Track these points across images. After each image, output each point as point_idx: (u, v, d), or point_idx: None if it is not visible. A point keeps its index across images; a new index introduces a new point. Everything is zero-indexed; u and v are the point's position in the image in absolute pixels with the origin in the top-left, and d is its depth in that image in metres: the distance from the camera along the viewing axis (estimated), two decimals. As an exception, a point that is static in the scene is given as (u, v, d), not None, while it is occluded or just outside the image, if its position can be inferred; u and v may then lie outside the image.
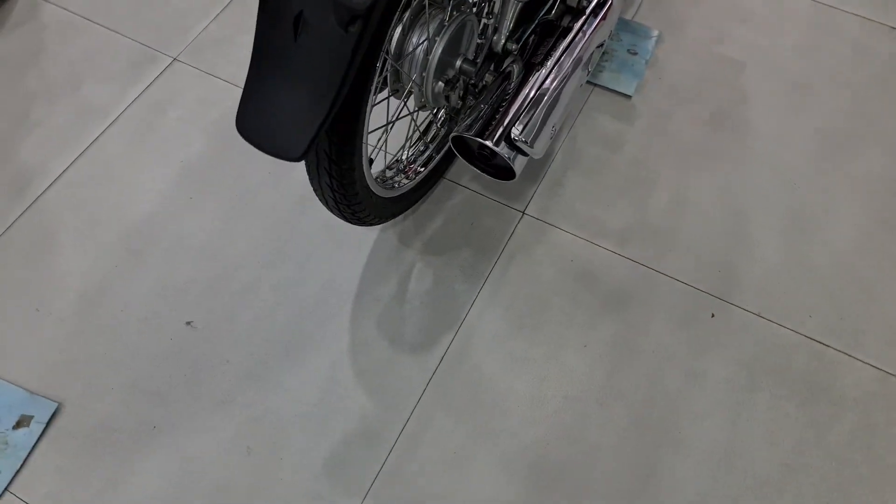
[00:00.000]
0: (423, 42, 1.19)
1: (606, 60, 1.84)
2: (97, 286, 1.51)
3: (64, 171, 1.67)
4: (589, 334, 1.46)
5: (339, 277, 1.53)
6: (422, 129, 1.51)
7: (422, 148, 1.51)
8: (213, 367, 1.43)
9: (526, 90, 1.17)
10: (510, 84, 1.20)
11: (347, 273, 1.53)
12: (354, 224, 1.27)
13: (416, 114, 1.36)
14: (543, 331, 1.46)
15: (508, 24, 1.22)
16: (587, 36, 1.30)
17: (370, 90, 1.04)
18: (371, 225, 1.33)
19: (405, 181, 1.41)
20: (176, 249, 1.56)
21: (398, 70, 1.22)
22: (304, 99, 0.90)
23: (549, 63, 1.21)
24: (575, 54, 1.26)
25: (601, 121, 1.75)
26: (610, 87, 1.80)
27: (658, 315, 1.48)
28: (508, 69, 1.23)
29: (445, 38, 1.21)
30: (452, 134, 1.14)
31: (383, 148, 1.37)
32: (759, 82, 1.83)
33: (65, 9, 1.93)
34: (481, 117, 1.14)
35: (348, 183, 1.11)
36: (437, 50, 1.21)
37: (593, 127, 1.74)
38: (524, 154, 1.16)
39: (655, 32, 1.90)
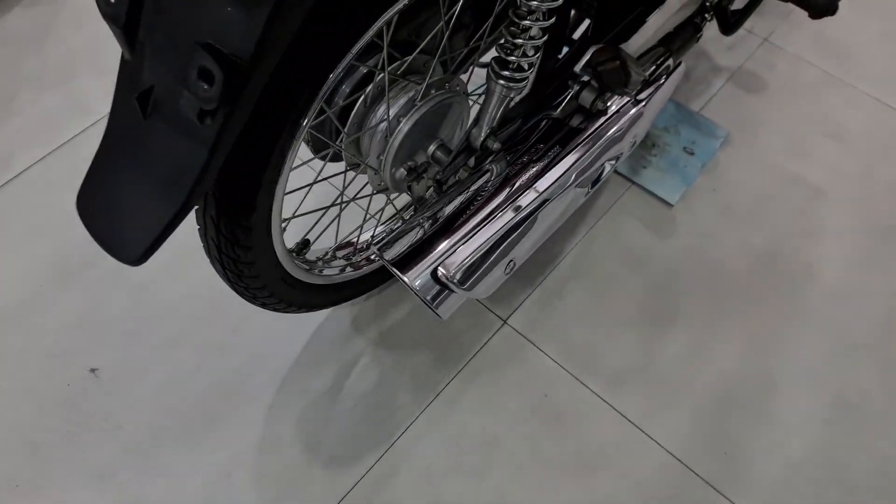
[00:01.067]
0: (384, 120, 0.96)
1: (655, 155, 1.55)
2: (15, 304, 1.36)
3: (28, 167, 1.53)
4: (544, 498, 1.18)
5: (271, 352, 1.31)
6: (376, 214, 1.27)
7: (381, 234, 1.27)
8: (102, 430, 1.23)
9: (487, 209, 0.91)
10: (484, 190, 0.94)
11: (282, 349, 1.31)
12: (249, 301, 1.04)
13: (370, 196, 1.13)
14: (488, 480, 1.19)
15: (492, 116, 0.96)
16: (597, 147, 1.03)
17: (285, 151, 0.81)
18: (276, 311, 1.10)
19: (340, 271, 1.17)
20: (111, 281, 1.38)
21: (352, 141, 0.99)
22: (150, 192, 0.68)
23: (532, 175, 0.95)
24: (575, 168, 0.99)
25: (629, 228, 1.47)
26: (650, 188, 1.51)
27: (633, 492, 1.18)
28: (487, 169, 0.98)
29: (414, 118, 0.97)
30: (377, 248, 0.90)
31: (328, 223, 1.14)
32: (837, 218, 1.49)
33: (89, -9, 1.81)
34: (412, 237, 0.90)
35: (242, 246, 0.89)
36: (401, 130, 0.97)
37: (617, 233, 1.46)
38: (454, 293, 0.91)
39: (723, 133, 1.59)
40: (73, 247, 1.42)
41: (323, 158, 0.99)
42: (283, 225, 0.97)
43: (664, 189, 1.51)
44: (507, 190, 0.92)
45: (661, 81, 1.13)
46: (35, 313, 1.34)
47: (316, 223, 1.10)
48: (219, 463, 1.20)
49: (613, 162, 1.07)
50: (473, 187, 0.93)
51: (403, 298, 1.37)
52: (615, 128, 1.04)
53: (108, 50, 1.70)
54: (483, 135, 0.99)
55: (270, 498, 1.17)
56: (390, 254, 0.86)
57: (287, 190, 0.89)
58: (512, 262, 0.93)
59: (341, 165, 1.08)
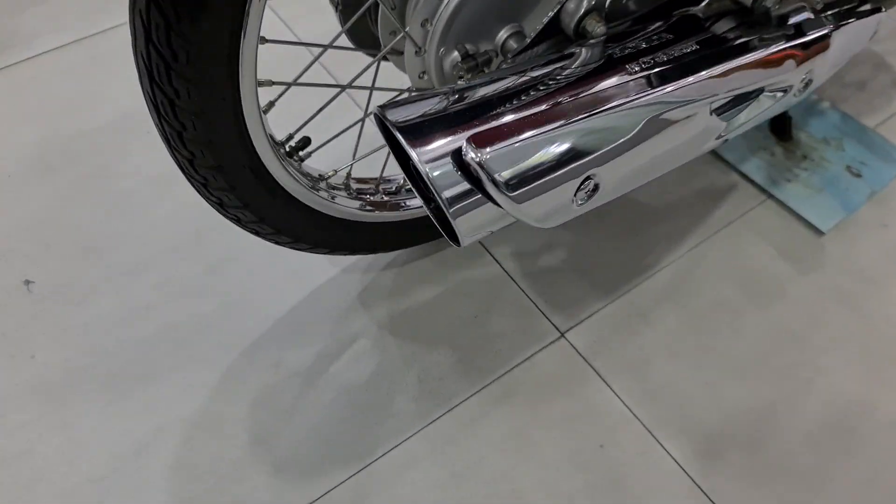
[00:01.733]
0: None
1: (805, 168, 1.16)
2: (-28, 189, 1.11)
3: (48, 51, 1.32)
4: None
5: (248, 307, 0.99)
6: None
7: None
8: (11, 355, 0.94)
9: (565, 92, 0.56)
10: (563, 73, 0.59)
11: (263, 306, 0.99)
12: (203, 195, 0.72)
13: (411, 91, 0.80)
14: (489, 543, 0.81)
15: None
16: (753, 64, 0.66)
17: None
18: (252, 230, 0.78)
19: (358, 204, 0.84)
20: (90, 185, 1.12)
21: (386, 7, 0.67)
22: None
23: (647, 67, 0.59)
24: (716, 81, 0.63)
25: (756, 250, 1.07)
26: (794, 207, 1.11)
27: None
28: (572, 52, 0.63)
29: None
30: (374, 110, 0.56)
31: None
32: None
33: None
34: (436, 106, 0.55)
35: (182, 76, 0.57)
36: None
37: (738, 254, 1.06)
38: (493, 201, 0.55)
39: (905, 159, 1.18)
40: (64, 141, 1.17)
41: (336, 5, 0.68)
42: (266, 84, 0.66)
43: (814, 211, 1.11)
44: (603, 77, 0.57)
45: (862, 12, 0.77)
46: (-12, 202, 1.09)
47: (313, 115, 0.78)
48: (137, 432, 0.88)
49: (773, 99, 0.70)
50: (548, 68, 0.59)
51: (432, 276, 1.02)
52: (785, 46, 0.68)
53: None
54: (583, 10, 0.65)
55: (186, 496, 0.83)
56: (396, 115, 0.52)
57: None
58: (592, 184, 0.57)
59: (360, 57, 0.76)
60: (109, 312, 0.98)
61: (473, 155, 0.50)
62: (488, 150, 0.51)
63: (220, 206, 0.71)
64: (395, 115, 0.52)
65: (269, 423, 0.89)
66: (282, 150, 0.74)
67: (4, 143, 1.17)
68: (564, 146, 0.53)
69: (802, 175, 1.15)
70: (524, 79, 0.56)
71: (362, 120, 0.82)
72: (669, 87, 0.58)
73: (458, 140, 0.51)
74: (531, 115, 0.53)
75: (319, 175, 0.82)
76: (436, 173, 0.50)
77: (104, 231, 1.06)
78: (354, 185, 0.87)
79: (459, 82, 0.64)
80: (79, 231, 1.06)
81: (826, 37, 0.73)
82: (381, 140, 0.87)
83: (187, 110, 0.59)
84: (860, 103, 1.27)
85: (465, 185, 0.52)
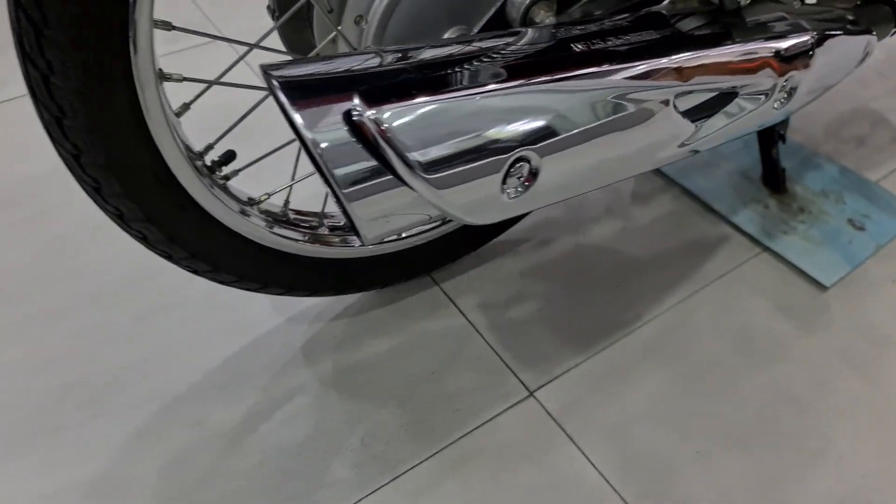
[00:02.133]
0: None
1: (802, 221, 1.06)
2: None
3: (17, 97, 1.27)
4: None
5: (177, 358, 0.87)
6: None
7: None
8: None
9: (503, 63, 0.46)
10: (488, 45, 0.50)
11: (193, 358, 0.87)
12: (130, 234, 0.63)
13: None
14: None
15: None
16: (729, 64, 0.58)
17: None
18: (182, 265, 0.68)
19: (296, 235, 0.75)
20: (24, 226, 1.03)
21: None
22: None
23: (605, 52, 0.51)
24: (677, 78, 0.54)
25: (752, 305, 0.96)
26: (793, 260, 1.01)
27: None
28: (513, 31, 0.54)
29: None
30: (261, 66, 0.47)
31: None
32: None
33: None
34: (347, 61, 0.45)
35: (56, 44, 0.49)
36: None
37: (732, 308, 0.95)
38: (394, 173, 0.44)
39: (912, 213, 1.08)
40: (2, 186, 1.10)
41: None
42: (177, 78, 0.58)
43: (816, 265, 1.00)
44: (545, 51, 0.48)
45: (851, 30, 0.69)
46: None
47: (236, 122, 0.70)
48: (25, 497, 0.75)
49: (750, 105, 0.61)
50: (482, 42, 0.50)
51: (389, 326, 0.91)
52: (759, 46, 0.59)
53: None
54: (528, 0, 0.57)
55: (70, 577, 0.69)
56: (284, 72, 0.43)
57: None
58: (525, 169, 0.47)
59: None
60: (19, 361, 0.87)
61: (365, 110, 0.41)
62: (385, 106, 0.41)
63: (121, 220, 0.62)
64: (283, 73, 0.43)
65: (181, 489, 0.75)
66: (200, 164, 0.65)
67: (-58, 185, 1.10)
68: (487, 113, 0.44)
69: (800, 228, 1.05)
70: (452, 47, 0.48)
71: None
72: (623, 67, 0.49)
73: (350, 100, 0.41)
74: (449, 75, 0.44)
75: (249, 199, 0.72)
76: (325, 143, 0.40)
77: (28, 276, 0.97)
78: (293, 215, 0.77)
79: (374, 47, 0.56)
80: (2, 273, 0.97)
81: (807, 43, 0.65)
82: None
83: (64, 89, 0.51)
84: (860, 158, 1.19)
85: (367, 163, 0.42)
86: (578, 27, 0.52)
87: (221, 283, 0.73)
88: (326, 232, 0.80)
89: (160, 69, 0.56)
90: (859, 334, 0.93)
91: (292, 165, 0.79)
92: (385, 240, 0.82)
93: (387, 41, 0.63)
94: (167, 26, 0.57)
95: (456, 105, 0.43)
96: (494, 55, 0.46)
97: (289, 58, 0.70)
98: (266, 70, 0.44)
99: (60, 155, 0.57)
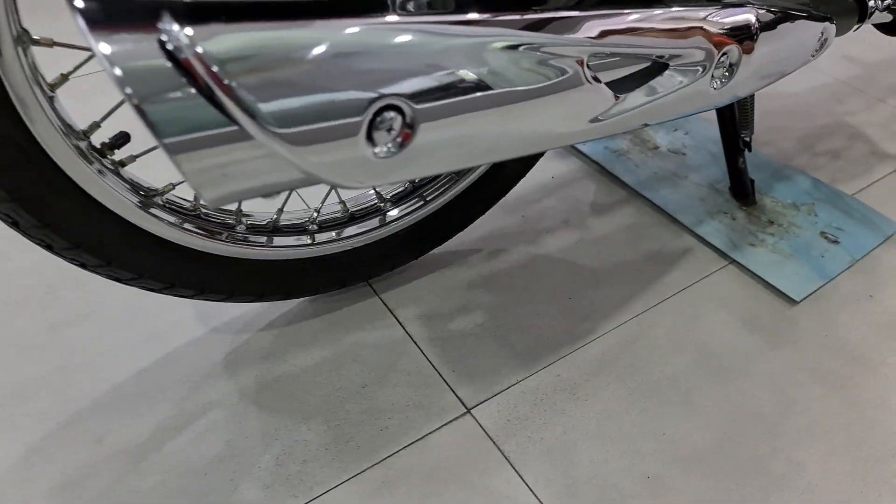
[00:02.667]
0: None
1: (771, 234, 1.00)
2: None
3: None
4: None
5: (87, 369, 0.80)
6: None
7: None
8: None
9: None
10: None
11: (106, 368, 0.80)
12: None
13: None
14: None
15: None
16: (654, 25, 0.52)
17: None
18: (65, 256, 0.62)
19: (196, 226, 0.69)
20: (-56, 234, 0.97)
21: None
22: None
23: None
24: (588, 32, 0.49)
25: (716, 319, 0.89)
26: (761, 273, 0.94)
27: None
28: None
29: None
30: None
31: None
32: None
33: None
34: None
35: None
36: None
37: (696, 323, 0.88)
38: (218, 109, 0.37)
39: (892, 227, 1.02)
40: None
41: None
42: (47, 42, 0.53)
43: (785, 278, 0.93)
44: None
45: (805, 13, 0.64)
46: None
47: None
48: None
49: (684, 78, 0.55)
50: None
51: (320, 337, 0.84)
52: (691, 12, 0.54)
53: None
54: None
55: None
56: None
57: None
58: (398, 121, 0.40)
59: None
60: (-85, 372, 0.80)
61: (175, 27, 0.34)
62: (208, 26, 0.35)
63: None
64: None
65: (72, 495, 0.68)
66: (84, 144, 0.60)
67: None
68: (349, 46, 0.38)
69: (769, 240, 0.99)
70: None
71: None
72: (527, 15, 0.43)
73: (161, 20, 0.34)
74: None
75: (150, 189, 0.67)
76: (137, 79, 0.34)
77: (-55, 283, 0.91)
78: (205, 211, 0.71)
79: None
80: (-85, 282, 0.91)
81: (751, 18, 0.60)
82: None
83: None
84: (834, 171, 1.13)
85: (194, 102, 0.36)
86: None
87: (118, 280, 0.67)
88: (244, 230, 0.74)
89: (23, 29, 0.51)
90: (831, 351, 0.86)
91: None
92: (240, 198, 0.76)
93: None
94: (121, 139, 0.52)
95: (306, 34, 0.37)
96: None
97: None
98: None
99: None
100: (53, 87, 0.56)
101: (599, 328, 0.87)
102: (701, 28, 0.55)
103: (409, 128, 0.41)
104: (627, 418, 0.77)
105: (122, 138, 0.63)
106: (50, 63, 0.55)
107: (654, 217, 1.03)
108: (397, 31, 0.39)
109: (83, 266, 0.64)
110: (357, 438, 0.75)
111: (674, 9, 0.53)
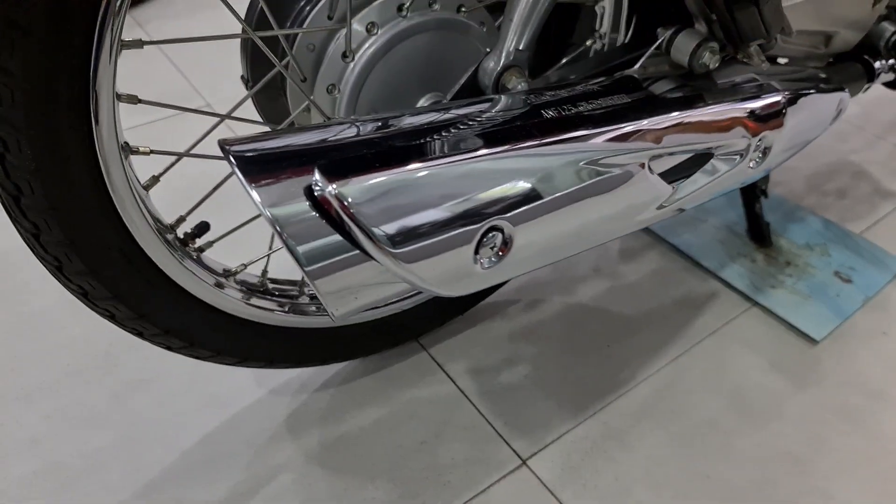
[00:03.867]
0: (342, 26, 0.58)
1: (789, 275, 1.06)
2: None
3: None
4: None
5: (154, 437, 0.84)
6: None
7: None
8: None
9: (468, 130, 0.46)
10: (457, 114, 0.50)
11: (172, 435, 0.84)
12: (97, 312, 0.61)
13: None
14: None
15: (520, 27, 0.56)
16: (702, 125, 0.58)
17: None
18: (156, 341, 0.66)
19: (274, 305, 0.73)
20: (-2, 304, 1.01)
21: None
22: None
23: (580, 120, 0.50)
24: (650, 141, 0.54)
25: (745, 362, 0.94)
26: (783, 315, 1.00)
27: None
28: (484, 98, 0.54)
29: (396, 30, 0.59)
30: (219, 141, 0.46)
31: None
32: None
33: (148, 34, 1.67)
34: (308, 135, 0.44)
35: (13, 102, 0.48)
36: (374, 46, 0.59)
37: (726, 367, 0.93)
38: (359, 248, 0.43)
39: (897, 264, 1.08)
40: (-21, 259, 1.08)
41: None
42: (144, 151, 0.57)
43: (805, 319, 0.99)
44: (513, 119, 0.48)
45: (823, 88, 0.70)
46: None
47: (209, 193, 0.69)
48: None
49: (727, 165, 0.61)
50: (452, 110, 0.50)
51: (375, 396, 0.88)
52: (731, 107, 0.60)
53: (140, 79, 1.49)
54: (501, 65, 0.58)
55: None
56: (243, 147, 0.41)
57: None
58: (499, 238, 0.45)
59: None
60: (-12, 446, 0.83)
61: (326, 184, 0.40)
62: (347, 180, 0.40)
63: (85, 297, 0.60)
64: (241, 148, 0.42)
65: (158, 580, 0.71)
66: (171, 237, 0.64)
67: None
68: (455, 183, 0.43)
69: (788, 282, 1.05)
70: (420, 116, 0.47)
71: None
72: (596, 132, 0.49)
73: (310, 174, 0.40)
74: (415, 145, 0.43)
75: (225, 270, 0.71)
76: (285, 220, 0.39)
77: (1, 355, 0.94)
78: (271, 285, 0.76)
79: (338, 118, 0.55)
80: (-25, 354, 0.94)
81: (779, 103, 0.65)
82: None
83: (20, 168, 0.50)
84: (842, 210, 1.20)
85: (330, 238, 0.41)
86: (550, 93, 0.52)
87: (198, 358, 0.71)
88: (307, 301, 0.79)
89: (125, 142, 0.56)
90: (853, 388, 0.91)
91: (269, 235, 0.78)
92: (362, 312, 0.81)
93: (360, 110, 0.63)
94: (133, 100, 0.56)
95: (422, 176, 0.42)
96: (463, 123, 0.46)
97: (259, 130, 0.70)
98: (223, 146, 0.43)
99: (20, 233, 0.55)
100: (147, 188, 0.60)
101: (638, 375, 0.92)
102: (737, 119, 0.60)
103: (507, 244, 0.46)
104: (673, 462, 0.82)
105: (204, 228, 0.67)
106: (141, 167, 0.60)
107: (678, 262, 1.09)
108: (500, 162, 0.44)
109: (168, 348, 0.68)
110: (423, 495, 0.79)
111: (711, 107, 0.59)
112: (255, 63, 0.67)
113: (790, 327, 0.99)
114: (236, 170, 0.40)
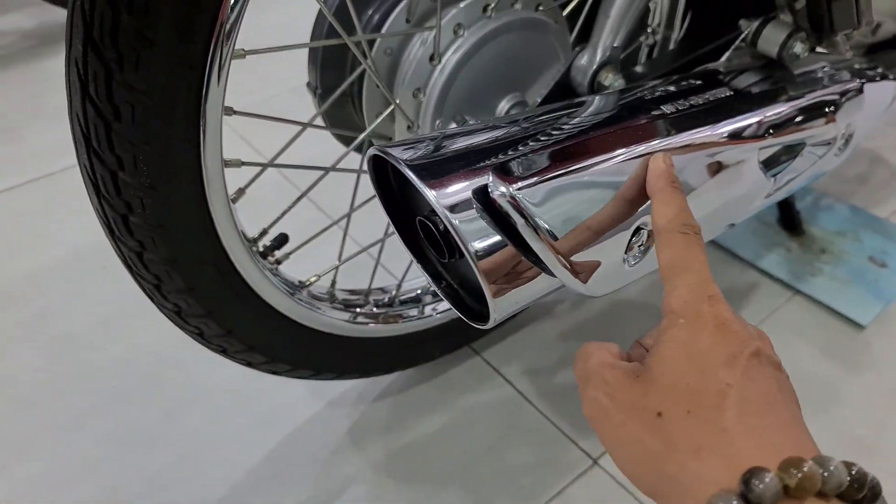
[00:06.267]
0: (430, 26, 0.57)
1: (826, 262, 1.07)
2: None
3: (-2, 192, 1.22)
4: None
5: (212, 455, 0.82)
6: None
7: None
8: None
9: (597, 133, 0.45)
10: (579, 113, 0.49)
11: (232, 452, 0.82)
12: (185, 330, 0.59)
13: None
14: None
15: (617, 25, 0.56)
16: (801, 116, 0.58)
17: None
18: (237, 359, 0.64)
19: (347, 315, 0.72)
20: (30, 328, 0.97)
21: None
22: None
23: (684, 116, 0.50)
24: (762, 135, 0.54)
25: (798, 349, 0.95)
26: (827, 302, 1.01)
27: None
28: (588, 98, 0.54)
29: (482, 32, 0.58)
30: (371, 150, 0.45)
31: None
32: None
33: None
34: (448, 139, 0.43)
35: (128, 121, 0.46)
36: (461, 50, 0.58)
37: (782, 354, 0.92)
38: (529, 254, 0.42)
39: (928, 247, 1.10)
40: (6, 283, 1.04)
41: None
42: (235, 163, 0.55)
43: (850, 305, 1.00)
44: (640, 116, 0.47)
45: (879, 74, 0.71)
46: None
47: (293, 204, 0.68)
48: None
49: (816, 155, 0.61)
50: (568, 109, 0.49)
51: (436, 402, 0.87)
52: (822, 97, 0.60)
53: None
54: (597, 62, 0.57)
55: None
56: (401, 153, 0.41)
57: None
58: (644, 235, 0.45)
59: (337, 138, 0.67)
60: (41, 475, 0.80)
61: (504, 189, 0.39)
62: (521, 184, 0.40)
63: (178, 316, 0.58)
64: (401, 154, 0.41)
65: None
66: (255, 250, 0.62)
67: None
68: (609, 183, 0.43)
69: (826, 269, 1.06)
70: (543, 117, 0.47)
71: (348, 215, 0.72)
72: (718, 130, 0.49)
73: (482, 177, 0.40)
74: (565, 149, 0.43)
75: (299, 282, 0.69)
76: (458, 220, 0.39)
77: (42, 380, 0.90)
78: (341, 295, 0.74)
79: (467, 124, 0.54)
80: (10, 383, 0.90)
81: (856, 90, 0.66)
82: (371, 237, 0.76)
83: (133, 185, 0.48)
84: (865, 196, 1.22)
85: (494, 238, 0.40)
86: (657, 89, 0.52)
87: (275, 373, 0.69)
88: (374, 310, 0.77)
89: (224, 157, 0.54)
90: (905, 370, 0.92)
91: (337, 245, 0.76)
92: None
93: (446, 113, 0.62)
94: (229, 111, 0.54)
95: (577, 180, 0.42)
96: (594, 125, 0.46)
97: (332, 136, 0.68)
98: (384, 150, 0.42)
99: (120, 252, 0.53)
100: (234, 200, 0.59)
101: (694, 368, 0.92)
102: (829, 108, 0.61)
103: (649, 238, 0.46)
104: (742, 455, 0.82)
105: (283, 240, 0.65)
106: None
107: (715, 254, 1.09)
108: (641, 160, 0.44)
109: (249, 365, 0.66)
110: (498, 500, 0.78)
111: (805, 99, 0.59)
112: (325, 69, 0.66)
113: (834, 314, 1.00)
114: (409, 172, 0.39)
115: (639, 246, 0.46)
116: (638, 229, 0.45)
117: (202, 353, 0.65)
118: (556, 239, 0.41)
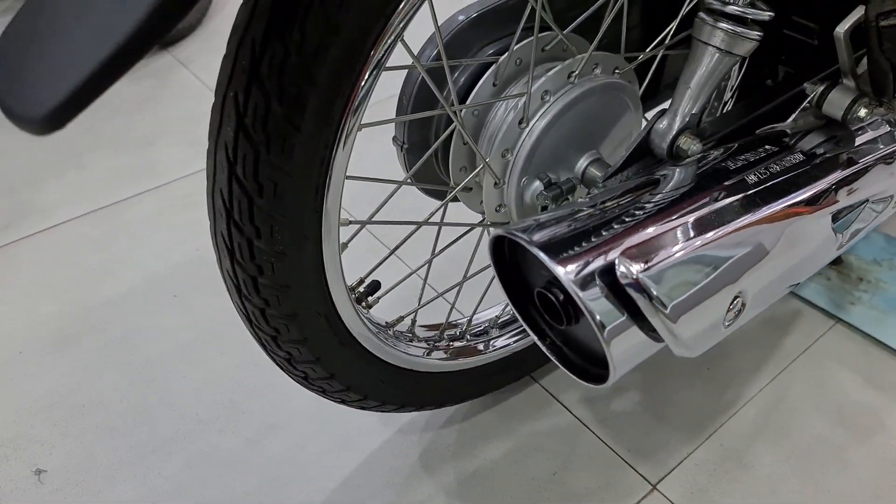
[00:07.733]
0: (521, 95, 0.62)
1: (864, 291, 1.11)
2: (-18, 368, 1.01)
3: (67, 220, 1.28)
4: None
5: (295, 479, 0.87)
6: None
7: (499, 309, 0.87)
8: (20, 559, 0.80)
9: (687, 207, 0.51)
10: (653, 194, 0.55)
11: (313, 477, 0.87)
12: (290, 375, 0.65)
13: (484, 229, 0.76)
14: None
15: (696, 96, 0.61)
16: (860, 173, 0.63)
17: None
18: (333, 397, 0.69)
19: (423, 352, 0.77)
20: (110, 355, 1.03)
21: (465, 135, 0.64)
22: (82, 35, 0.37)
23: (759, 185, 0.55)
24: (834, 198, 0.60)
25: (840, 379, 1.00)
26: (869, 331, 1.05)
27: None
28: (670, 170, 0.59)
29: (567, 98, 0.63)
30: (495, 232, 0.50)
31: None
32: None
33: (195, 76, 1.69)
34: (567, 222, 0.49)
35: (268, 212, 0.52)
36: (549, 113, 0.63)
37: (824, 384, 0.99)
38: (645, 325, 0.48)
39: (962, 275, 1.14)
40: (83, 311, 1.10)
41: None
42: (344, 223, 0.61)
43: (890, 334, 1.05)
44: (731, 191, 0.53)
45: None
46: (5, 383, 0.99)
47: (388, 255, 0.73)
48: None
49: (877, 210, 0.66)
50: (666, 185, 0.54)
51: (499, 430, 0.92)
52: (881, 156, 0.65)
53: (196, 123, 1.51)
54: (676, 129, 0.62)
55: None
56: (527, 234, 0.46)
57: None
58: (739, 302, 0.51)
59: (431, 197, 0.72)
60: (132, 500, 0.86)
61: (631, 271, 0.45)
62: (645, 266, 0.45)
63: (288, 363, 0.63)
64: (535, 235, 0.46)
65: None
66: (352, 297, 0.68)
67: (17, 317, 1.09)
68: (716, 262, 0.48)
69: (864, 297, 1.11)
70: (653, 197, 0.52)
71: (429, 261, 0.77)
72: (799, 197, 0.55)
73: (605, 257, 0.45)
74: (676, 230, 0.48)
75: (386, 323, 0.75)
76: (587, 297, 0.44)
77: (126, 406, 0.96)
78: (421, 333, 0.80)
79: (583, 199, 0.59)
80: (98, 409, 0.96)
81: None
82: (447, 282, 0.81)
83: (267, 251, 0.53)
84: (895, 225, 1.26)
85: (617, 314, 0.45)
86: (737, 158, 0.57)
87: (364, 409, 0.74)
88: (447, 344, 0.82)
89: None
90: (946, 398, 0.97)
91: (418, 289, 0.81)
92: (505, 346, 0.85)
93: (530, 172, 0.67)
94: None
95: (689, 258, 0.47)
96: (697, 203, 0.51)
97: (419, 192, 0.74)
98: (511, 232, 0.48)
99: (242, 309, 0.59)
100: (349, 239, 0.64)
101: (742, 396, 0.97)
102: (888, 165, 0.66)
103: (744, 305, 0.51)
104: (793, 480, 0.87)
105: (376, 287, 0.70)
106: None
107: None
108: (742, 232, 0.49)
109: (343, 402, 0.72)
110: (565, 524, 0.83)
111: (867, 157, 0.64)
112: (413, 126, 0.71)
113: (875, 342, 1.04)
114: (540, 253, 0.45)
115: (735, 311, 0.51)
116: (736, 296, 0.50)
117: (277, 380, 0.70)
118: (673, 312, 0.46)
